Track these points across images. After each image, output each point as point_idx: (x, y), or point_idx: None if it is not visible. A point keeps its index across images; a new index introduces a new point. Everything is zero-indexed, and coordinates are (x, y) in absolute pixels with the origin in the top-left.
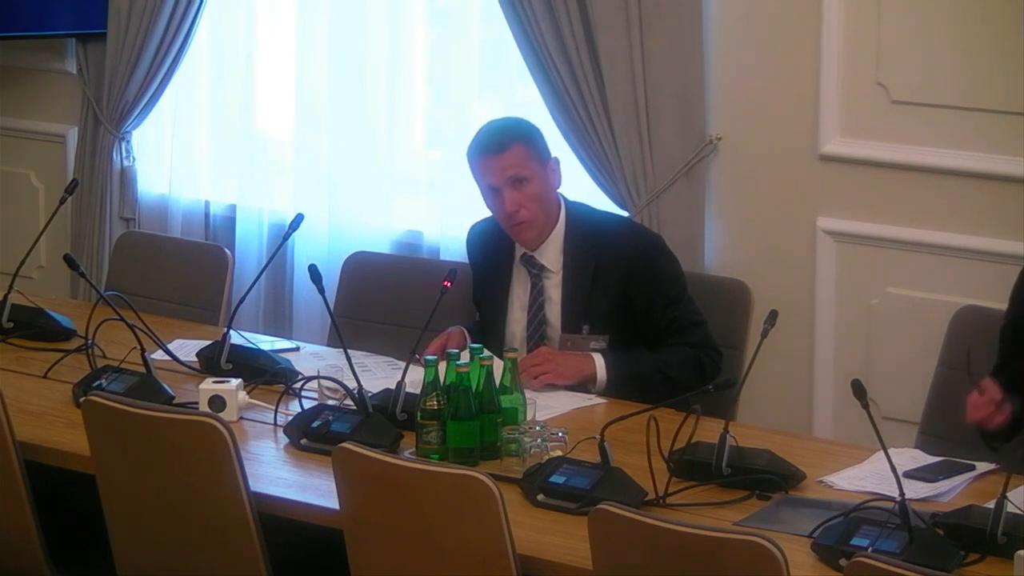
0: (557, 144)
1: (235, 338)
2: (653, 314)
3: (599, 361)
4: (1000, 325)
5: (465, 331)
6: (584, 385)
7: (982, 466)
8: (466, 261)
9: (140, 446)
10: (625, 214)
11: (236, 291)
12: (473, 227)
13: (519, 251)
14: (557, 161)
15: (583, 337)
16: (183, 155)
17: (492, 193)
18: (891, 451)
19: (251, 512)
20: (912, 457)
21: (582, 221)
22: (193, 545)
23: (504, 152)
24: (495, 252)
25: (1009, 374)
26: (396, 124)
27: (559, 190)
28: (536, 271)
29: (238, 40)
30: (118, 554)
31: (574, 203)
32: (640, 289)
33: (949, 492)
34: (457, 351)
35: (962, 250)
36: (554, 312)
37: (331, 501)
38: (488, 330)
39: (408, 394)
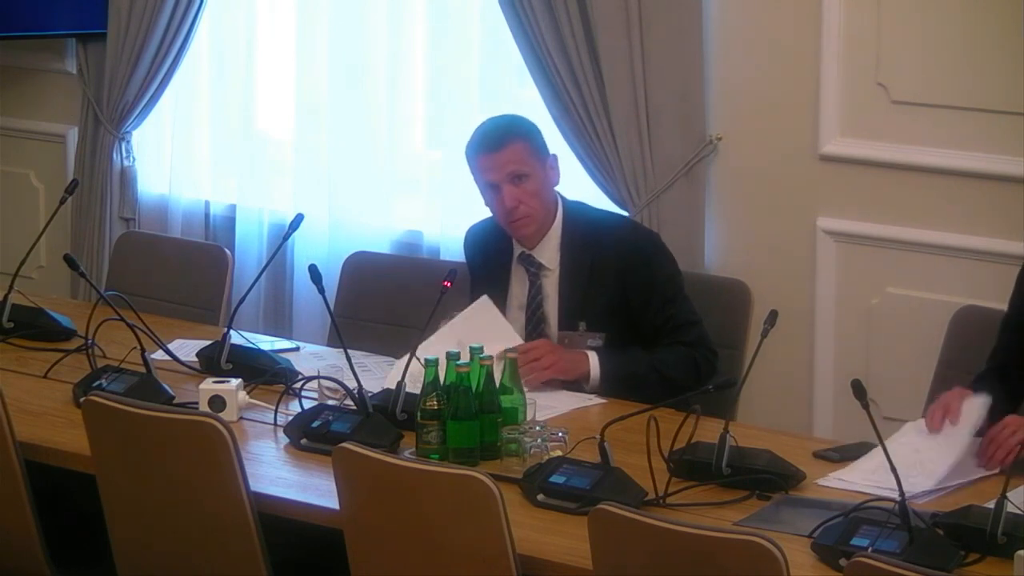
0: (557, 144)
1: (235, 338)
2: (649, 312)
3: (593, 359)
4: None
5: None
6: (578, 382)
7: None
8: (466, 261)
9: (140, 446)
10: (625, 214)
11: (236, 291)
12: (470, 229)
13: (517, 250)
14: (556, 158)
15: (580, 334)
16: (183, 155)
17: (491, 190)
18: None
19: (251, 512)
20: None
21: (579, 219)
22: (193, 545)
23: (503, 149)
24: (494, 252)
25: (1000, 361)
26: (396, 124)
27: (557, 188)
28: (534, 269)
29: (238, 40)
30: (118, 554)
31: (571, 201)
32: (636, 287)
33: (948, 488)
34: (457, 351)
35: (962, 250)
36: (552, 310)
37: (331, 501)
38: None
39: (408, 394)
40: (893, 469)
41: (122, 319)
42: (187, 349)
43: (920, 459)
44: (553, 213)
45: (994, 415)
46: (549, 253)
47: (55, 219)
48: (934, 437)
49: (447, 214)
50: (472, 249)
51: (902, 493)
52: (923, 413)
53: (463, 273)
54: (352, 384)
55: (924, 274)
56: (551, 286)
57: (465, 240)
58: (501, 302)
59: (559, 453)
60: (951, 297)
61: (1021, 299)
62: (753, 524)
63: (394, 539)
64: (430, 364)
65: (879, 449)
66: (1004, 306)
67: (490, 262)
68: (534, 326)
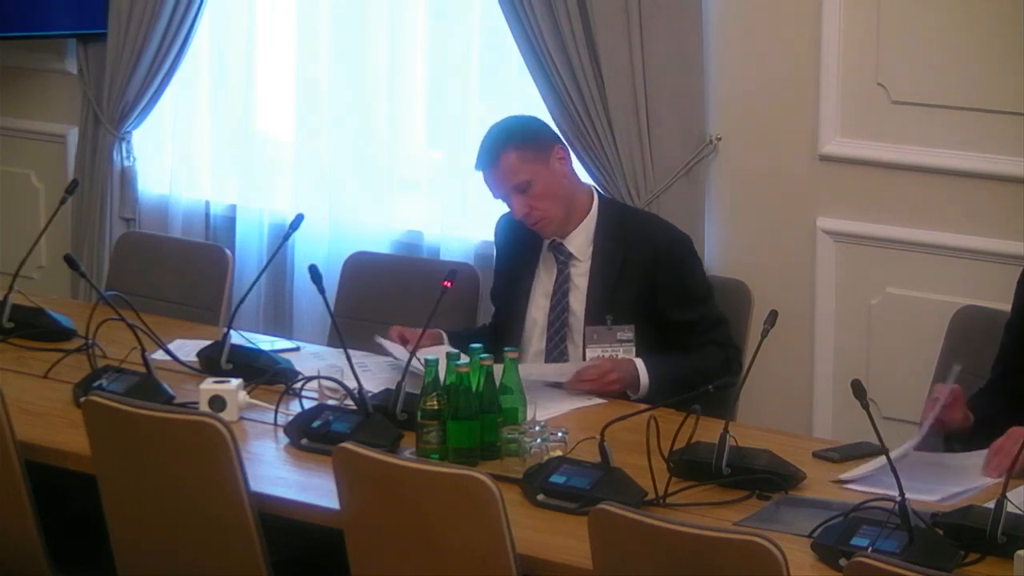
0: None
1: (235, 338)
2: (678, 311)
3: (641, 365)
4: (1005, 321)
5: (443, 334)
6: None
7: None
8: (466, 261)
9: (140, 446)
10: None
11: (236, 291)
12: (504, 215)
13: (548, 238)
14: (562, 147)
15: (609, 328)
16: (183, 155)
17: (504, 201)
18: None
19: (251, 512)
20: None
21: (615, 213)
22: (193, 545)
23: (497, 165)
24: (526, 238)
25: (1003, 367)
26: (396, 124)
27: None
28: (564, 258)
29: (238, 40)
30: (118, 554)
31: (609, 197)
32: (667, 285)
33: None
34: (457, 352)
35: (962, 250)
36: (578, 300)
37: (331, 501)
38: (509, 317)
39: (408, 394)
40: (893, 469)
41: (122, 319)
42: (187, 349)
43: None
44: (579, 199)
45: (996, 429)
46: (580, 244)
47: (55, 219)
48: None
49: (447, 214)
50: (503, 233)
51: (902, 493)
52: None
53: (463, 273)
54: (352, 384)
55: (924, 274)
56: (579, 276)
57: (497, 225)
58: (527, 289)
59: (559, 453)
60: (951, 297)
61: (1022, 303)
62: (753, 524)
63: (394, 539)
64: (430, 364)
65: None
66: (1004, 306)
67: (521, 248)
68: (557, 315)
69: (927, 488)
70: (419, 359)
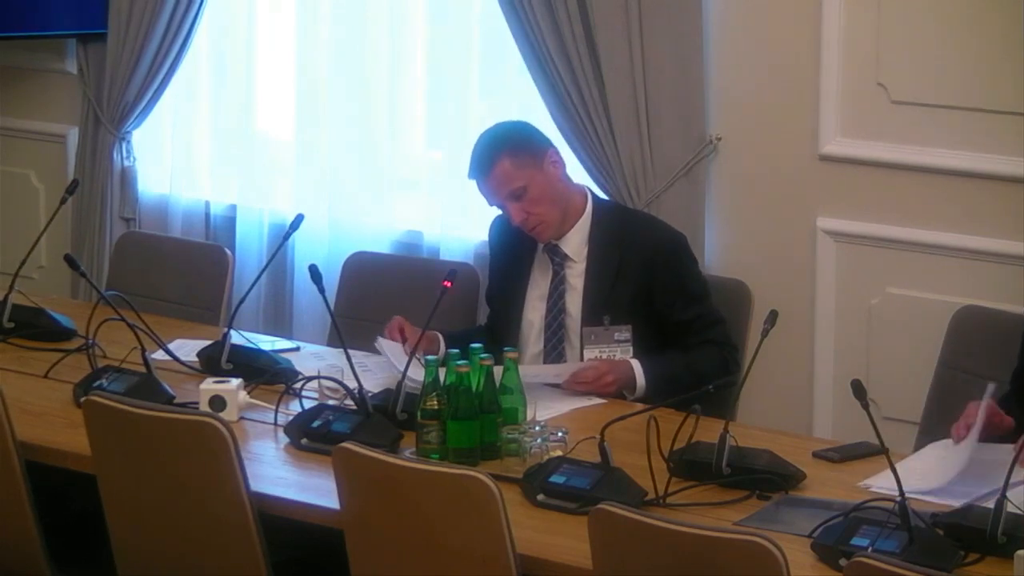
0: (557, 144)
1: (235, 338)
2: (675, 310)
3: (637, 366)
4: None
5: (440, 338)
6: (621, 391)
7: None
8: (466, 261)
9: (140, 446)
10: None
11: (236, 291)
12: (498, 216)
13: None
14: (555, 151)
15: (605, 329)
16: (183, 155)
17: (499, 208)
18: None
19: (251, 512)
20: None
21: (610, 213)
22: (193, 545)
23: (491, 173)
24: (519, 239)
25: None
26: (396, 124)
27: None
28: (559, 260)
29: (238, 40)
30: (118, 554)
31: (602, 198)
32: (663, 285)
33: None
34: (457, 351)
35: (962, 250)
36: (574, 302)
37: (331, 501)
38: (505, 320)
39: (408, 394)
40: (893, 469)
41: (122, 319)
42: (187, 349)
43: (944, 464)
44: (575, 202)
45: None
46: (575, 245)
47: (55, 219)
48: (956, 447)
49: (447, 214)
50: (497, 235)
51: (902, 493)
52: (922, 414)
53: (463, 273)
54: (352, 384)
55: (924, 274)
56: (575, 277)
57: (491, 227)
58: (522, 291)
59: (559, 453)
60: (951, 297)
61: None
62: (753, 524)
63: (394, 539)
64: (430, 364)
65: (921, 453)
66: (1004, 306)
67: (515, 250)
68: (554, 317)
69: (967, 490)
70: (419, 358)
